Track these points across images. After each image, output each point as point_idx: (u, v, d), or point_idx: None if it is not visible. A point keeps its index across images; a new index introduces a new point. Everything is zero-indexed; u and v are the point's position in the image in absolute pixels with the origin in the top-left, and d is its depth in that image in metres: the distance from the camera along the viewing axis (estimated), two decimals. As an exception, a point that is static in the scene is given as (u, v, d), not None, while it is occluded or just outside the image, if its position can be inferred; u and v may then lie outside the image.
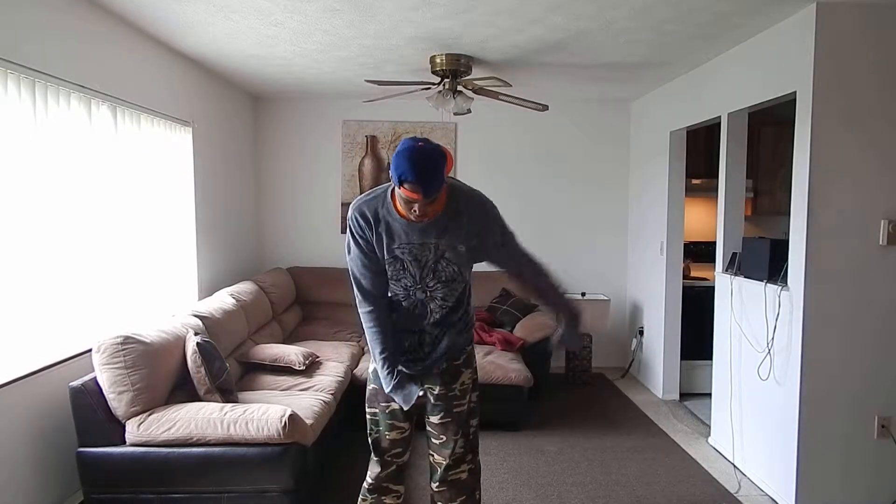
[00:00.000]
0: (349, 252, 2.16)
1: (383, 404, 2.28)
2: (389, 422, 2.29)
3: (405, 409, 2.22)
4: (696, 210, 5.54)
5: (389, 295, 2.21)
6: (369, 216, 2.09)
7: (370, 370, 2.33)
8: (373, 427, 2.33)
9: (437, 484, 2.35)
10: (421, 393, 2.26)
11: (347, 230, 2.15)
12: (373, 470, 2.36)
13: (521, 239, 2.26)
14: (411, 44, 3.79)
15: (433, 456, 2.36)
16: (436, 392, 2.29)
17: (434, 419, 2.31)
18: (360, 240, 2.11)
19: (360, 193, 6.20)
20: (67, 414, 2.78)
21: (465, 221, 2.09)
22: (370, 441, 2.35)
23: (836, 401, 3.12)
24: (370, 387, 2.33)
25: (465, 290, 2.28)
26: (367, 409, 2.34)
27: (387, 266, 2.14)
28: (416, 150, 1.90)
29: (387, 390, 2.20)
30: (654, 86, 4.98)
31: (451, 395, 2.29)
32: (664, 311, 4.90)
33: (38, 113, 2.72)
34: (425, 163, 1.88)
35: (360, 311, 2.19)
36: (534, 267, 2.23)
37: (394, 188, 2.02)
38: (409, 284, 2.15)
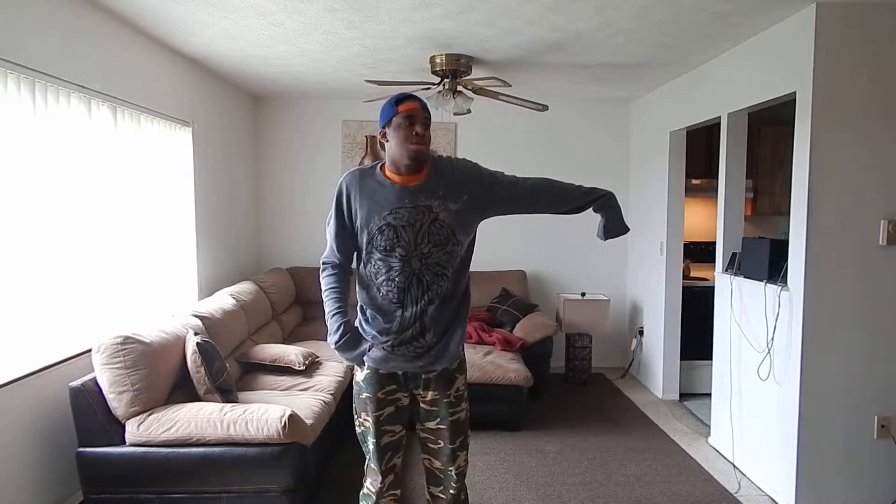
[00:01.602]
0: (329, 222, 2.21)
1: (375, 414, 2.21)
2: (383, 428, 2.22)
3: (350, 364, 2.25)
4: (696, 210, 5.54)
5: (383, 275, 2.13)
6: (357, 184, 2.14)
7: (358, 378, 2.24)
8: (369, 436, 2.24)
9: (441, 489, 2.32)
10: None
11: (335, 195, 2.18)
12: (374, 479, 2.29)
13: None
14: (411, 44, 3.79)
15: (430, 460, 2.32)
16: (428, 398, 2.24)
17: (430, 425, 2.26)
18: (343, 208, 2.15)
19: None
20: (67, 414, 2.78)
21: (449, 179, 2.14)
22: (370, 449, 2.26)
23: (836, 401, 3.12)
24: (362, 395, 2.23)
25: (463, 275, 2.23)
26: (363, 418, 2.25)
27: (378, 237, 2.09)
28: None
29: (334, 346, 2.17)
30: (654, 86, 4.98)
31: (446, 402, 2.25)
32: (664, 311, 4.90)
33: (38, 113, 2.72)
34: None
35: (323, 274, 2.24)
36: (541, 193, 2.22)
37: (381, 134, 2.15)
38: (403, 254, 2.09)
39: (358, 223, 2.13)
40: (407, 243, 2.09)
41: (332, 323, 2.17)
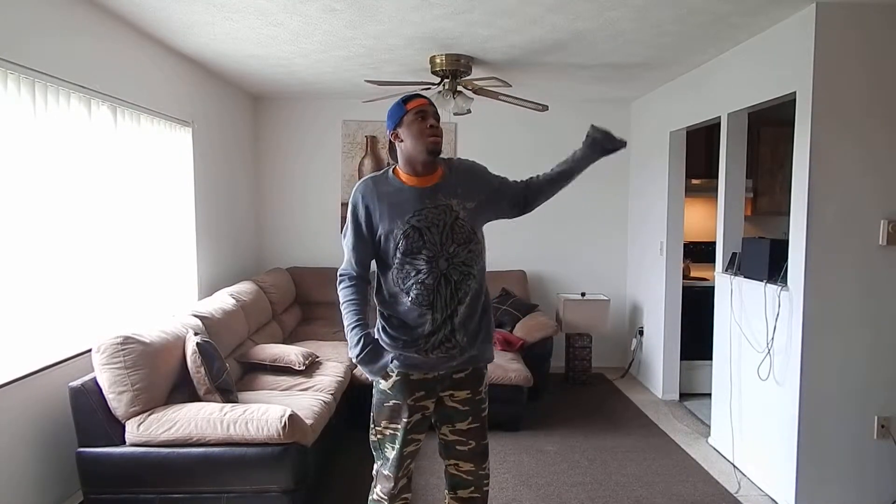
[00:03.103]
0: (344, 233, 2.21)
1: (405, 420, 2.16)
2: (410, 436, 2.18)
3: (373, 379, 2.22)
4: (696, 210, 5.54)
5: (412, 279, 2.11)
6: (373, 193, 2.13)
7: (385, 386, 2.19)
8: (389, 444, 2.20)
9: (472, 489, 2.29)
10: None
11: (350, 207, 2.17)
12: (385, 485, 2.23)
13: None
14: (411, 44, 3.79)
15: (458, 465, 2.28)
16: (460, 398, 2.23)
17: (462, 426, 2.24)
18: (361, 219, 2.13)
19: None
20: (67, 414, 2.78)
21: (464, 178, 2.19)
22: (388, 457, 2.21)
23: (836, 401, 3.12)
24: (389, 403, 2.18)
25: (484, 272, 2.25)
26: (384, 427, 2.21)
27: (402, 242, 2.08)
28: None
29: (356, 359, 2.14)
30: (654, 86, 4.98)
31: (478, 399, 2.25)
32: (664, 311, 4.90)
33: (38, 113, 2.72)
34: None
35: (340, 286, 2.22)
36: (537, 179, 2.29)
37: (394, 135, 2.14)
38: (430, 255, 2.08)
39: (381, 232, 2.11)
40: (433, 244, 2.09)
41: (352, 336, 2.14)
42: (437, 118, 2.13)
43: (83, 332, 3.06)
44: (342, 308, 2.20)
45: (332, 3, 3.08)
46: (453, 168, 2.19)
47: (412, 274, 2.10)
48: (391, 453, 2.20)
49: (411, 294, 2.12)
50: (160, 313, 3.69)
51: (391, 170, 2.18)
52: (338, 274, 2.25)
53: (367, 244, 2.16)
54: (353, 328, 2.14)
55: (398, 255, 2.10)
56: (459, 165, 2.23)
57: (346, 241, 2.20)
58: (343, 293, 2.21)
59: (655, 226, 5.08)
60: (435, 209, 2.10)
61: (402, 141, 2.11)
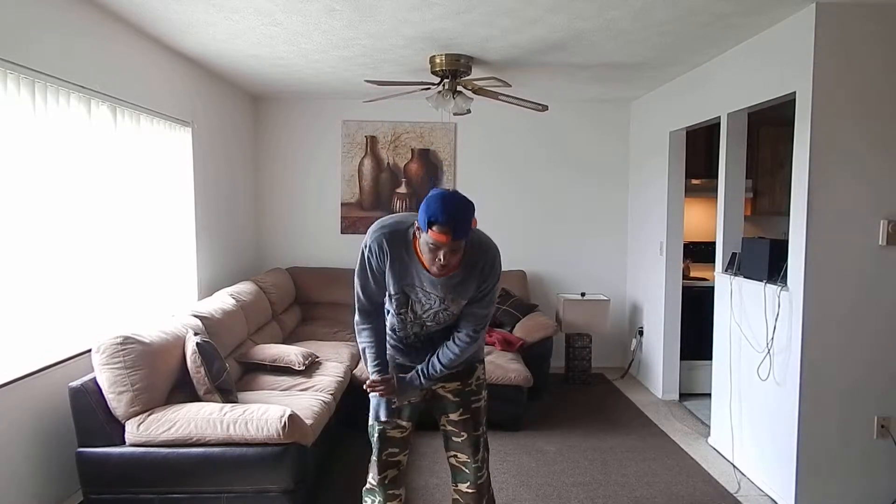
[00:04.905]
0: (358, 273, 2.18)
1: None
2: (391, 418, 2.33)
3: (398, 405, 2.31)
4: (695, 210, 5.54)
5: (393, 319, 2.30)
6: (388, 250, 2.10)
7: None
8: (374, 429, 2.36)
9: (468, 484, 2.37)
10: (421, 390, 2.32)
11: (363, 252, 2.15)
12: (373, 472, 2.37)
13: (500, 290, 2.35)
14: (411, 44, 3.79)
15: (456, 456, 2.39)
16: (452, 388, 2.35)
17: (454, 416, 2.35)
18: (374, 264, 2.14)
19: (360, 194, 6.05)
20: (67, 414, 2.78)
21: (477, 276, 2.13)
22: (374, 445, 2.36)
23: (836, 401, 3.12)
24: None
25: None
26: (371, 413, 2.37)
27: (393, 296, 2.18)
28: (448, 195, 1.96)
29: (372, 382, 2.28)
30: (654, 86, 4.98)
31: (468, 391, 2.35)
32: (664, 311, 4.90)
33: (38, 113, 2.72)
34: (457, 206, 1.94)
35: (357, 327, 2.28)
36: (466, 338, 2.22)
37: (417, 228, 2.02)
38: (406, 320, 2.25)
39: (386, 276, 2.15)
40: (415, 313, 2.22)
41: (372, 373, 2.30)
42: (455, 249, 1.98)
43: (83, 332, 3.06)
44: (362, 348, 2.30)
45: (331, 3, 3.08)
46: (473, 263, 2.10)
47: (394, 318, 2.28)
48: (375, 437, 2.34)
49: (393, 333, 2.33)
50: (160, 313, 3.70)
51: (413, 230, 2.08)
52: (355, 320, 2.28)
53: (384, 281, 2.19)
54: (373, 371, 2.27)
55: (390, 299, 2.23)
56: (484, 266, 2.11)
57: (362, 284, 2.20)
58: (362, 334, 2.28)
59: (655, 226, 5.08)
60: (428, 294, 2.15)
61: (419, 240, 2.05)
